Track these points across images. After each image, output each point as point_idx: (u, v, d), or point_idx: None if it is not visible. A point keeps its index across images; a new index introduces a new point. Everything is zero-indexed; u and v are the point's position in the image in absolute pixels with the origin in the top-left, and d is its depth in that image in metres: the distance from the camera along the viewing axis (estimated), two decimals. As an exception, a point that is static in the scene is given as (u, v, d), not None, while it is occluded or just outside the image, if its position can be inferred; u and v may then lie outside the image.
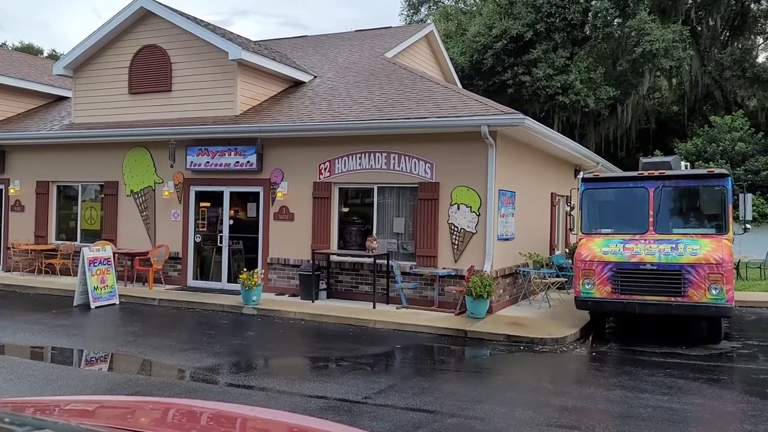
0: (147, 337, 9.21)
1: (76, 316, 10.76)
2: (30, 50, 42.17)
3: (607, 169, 17.08)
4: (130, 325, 10.13)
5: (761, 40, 33.03)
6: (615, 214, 10.05)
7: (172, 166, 13.53)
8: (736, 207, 10.49)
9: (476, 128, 10.61)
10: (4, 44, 42.99)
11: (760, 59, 30.46)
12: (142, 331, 9.62)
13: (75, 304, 11.56)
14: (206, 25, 13.96)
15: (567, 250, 15.42)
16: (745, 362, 8.31)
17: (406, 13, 35.57)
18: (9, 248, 15.55)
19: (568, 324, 10.06)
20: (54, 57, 40.68)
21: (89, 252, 11.80)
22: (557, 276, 12.82)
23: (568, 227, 13.46)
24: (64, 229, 15.49)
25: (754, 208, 20.61)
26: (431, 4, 37.82)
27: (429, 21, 30.86)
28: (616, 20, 29.30)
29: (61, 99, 18.08)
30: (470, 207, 11.14)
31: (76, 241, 15.05)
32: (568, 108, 28.04)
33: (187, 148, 13.34)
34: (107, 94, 14.71)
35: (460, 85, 20.56)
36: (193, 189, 13.69)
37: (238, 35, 15.05)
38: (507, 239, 11.77)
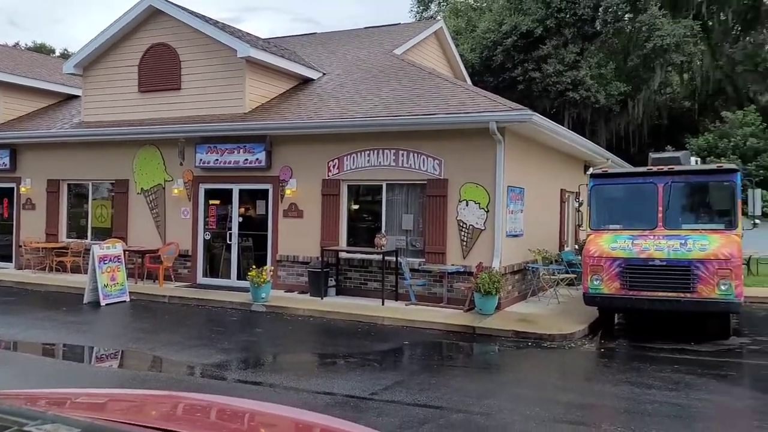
0: (156, 333, 9.29)
1: (86, 314, 10.86)
2: (42, 50, 42.54)
3: (617, 165, 16.97)
4: (140, 322, 10.22)
5: (774, 35, 32.63)
6: (624, 210, 9.99)
7: (181, 164, 13.61)
8: (745, 202, 10.40)
9: (484, 124, 10.58)
10: (17, 44, 43.36)
11: (773, 54, 30.10)
12: (152, 328, 9.70)
13: (85, 301, 11.66)
14: (215, 23, 14.01)
15: (576, 247, 15.36)
16: (754, 358, 8.25)
17: (415, 9, 35.50)
18: (20, 246, 15.72)
19: (576, 320, 10.03)
20: (65, 56, 41.02)
21: (99, 249, 11.90)
22: (566, 272, 12.78)
23: (577, 223, 13.41)
24: (75, 227, 15.63)
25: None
26: (441, 1, 37.70)
27: (438, 17, 30.79)
28: (626, 15, 29.13)
29: (72, 98, 18.22)
30: (479, 203, 11.12)
31: (86, 239, 15.17)
32: (579, 104, 27.91)
33: (197, 146, 13.41)
34: (117, 92, 14.80)
35: (469, 82, 20.51)
36: (203, 187, 13.76)
37: (247, 33, 15.09)
38: (516, 236, 11.75)
